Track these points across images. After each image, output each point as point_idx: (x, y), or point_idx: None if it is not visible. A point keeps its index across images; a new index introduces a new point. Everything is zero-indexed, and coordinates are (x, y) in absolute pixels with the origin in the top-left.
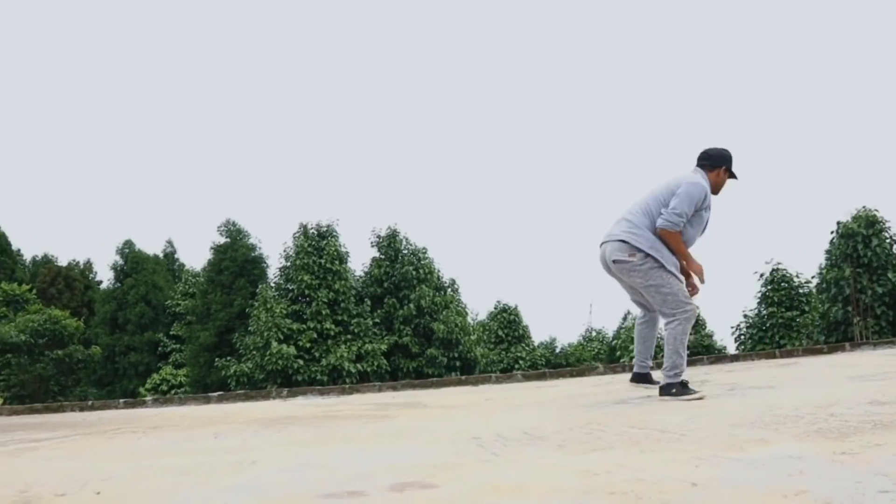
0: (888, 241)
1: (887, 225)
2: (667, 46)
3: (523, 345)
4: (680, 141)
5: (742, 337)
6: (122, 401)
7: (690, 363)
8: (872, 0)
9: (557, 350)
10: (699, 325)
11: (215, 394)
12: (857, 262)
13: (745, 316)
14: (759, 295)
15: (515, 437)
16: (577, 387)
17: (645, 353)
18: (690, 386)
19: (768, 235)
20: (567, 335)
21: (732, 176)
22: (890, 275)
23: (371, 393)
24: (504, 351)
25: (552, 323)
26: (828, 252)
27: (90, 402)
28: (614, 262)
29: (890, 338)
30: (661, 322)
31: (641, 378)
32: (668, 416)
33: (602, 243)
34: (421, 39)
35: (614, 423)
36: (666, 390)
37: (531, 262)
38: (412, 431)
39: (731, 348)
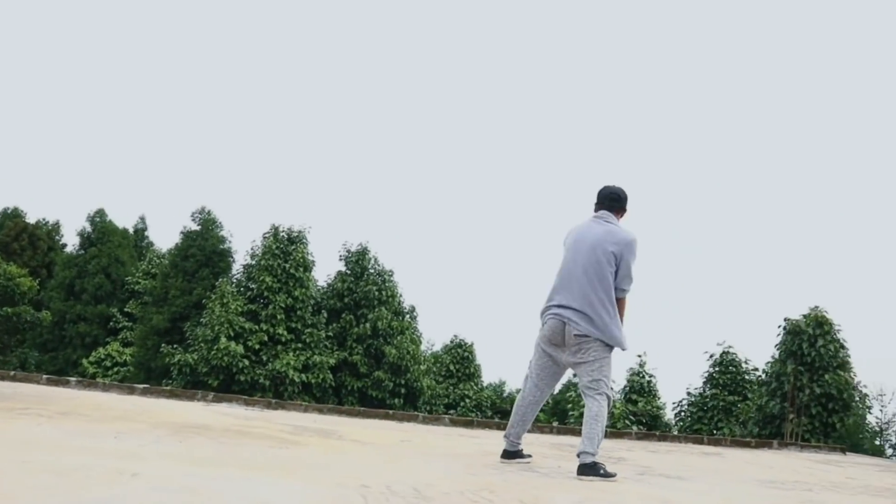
0: (834, 343)
1: (836, 327)
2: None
3: (472, 383)
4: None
5: (682, 414)
6: (45, 377)
7: (616, 436)
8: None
9: (506, 393)
10: (653, 393)
11: (140, 385)
12: (801, 360)
13: (689, 394)
14: (706, 375)
15: (402, 493)
16: (497, 443)
17: (522, 432)
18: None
19: (727, 319)
20: (518, 380)
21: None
22: (828, 377)
23: (295, 412)
24: (452, 386)
25: (505, 365)
26: (776, 346)
27: (13, 374)
28: (577, 335)
29: (818, 440)
30: (589, 399)
31: (514, 455)
32: (563, 494)
33: (559, 314)
34: (408, 61)
35: (507, 493)
36: (592, 470)
37: (496, 301)
38: (307, 467)
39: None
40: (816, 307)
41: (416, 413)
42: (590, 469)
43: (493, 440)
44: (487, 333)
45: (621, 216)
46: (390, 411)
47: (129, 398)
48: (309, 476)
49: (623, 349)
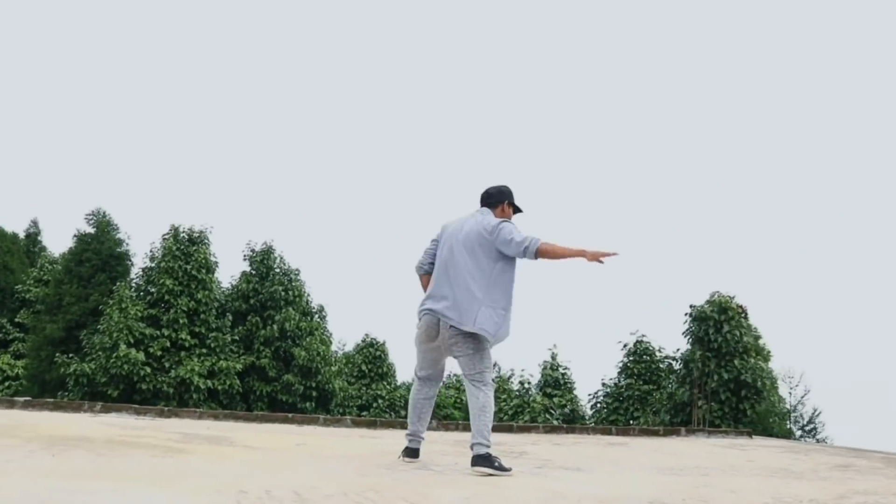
0: (740, 328)
1: (741, 313)
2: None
3: (385, 383)
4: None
5: (598, 405)
6: None
7: (523, 430)
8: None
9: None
10: (570, 385)
11: (21, 399)
12: (708, 346)
13: (604, 384)
14: (621, 365)
15: (280, 498)
16: (399, 442)
17: (421, 429)
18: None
19: (640, 308)
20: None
21: (517, 210)
22: (737, 362)
23: (190, 419)
24: (365, 387)
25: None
26: (684, 333)
27: None
28: (451, 327)
29: (728, 425)
30: (472, 390)
31: (417, 453)
32: (452, 491)
33: (432, 309)
34: (329, 58)
35: (392, 492)
36: (486, 461)
37: (407, 298)
38: (187, 475)
39: (588, 415)
40: (717, 293)
41: (316, 416)
42: (484, 460)
43: (394, 440)
44: (400, 331)
45: (500, 211)
46: (290, 415)
47: (8, 412)
48: (186, 485)
49: (491, 339)
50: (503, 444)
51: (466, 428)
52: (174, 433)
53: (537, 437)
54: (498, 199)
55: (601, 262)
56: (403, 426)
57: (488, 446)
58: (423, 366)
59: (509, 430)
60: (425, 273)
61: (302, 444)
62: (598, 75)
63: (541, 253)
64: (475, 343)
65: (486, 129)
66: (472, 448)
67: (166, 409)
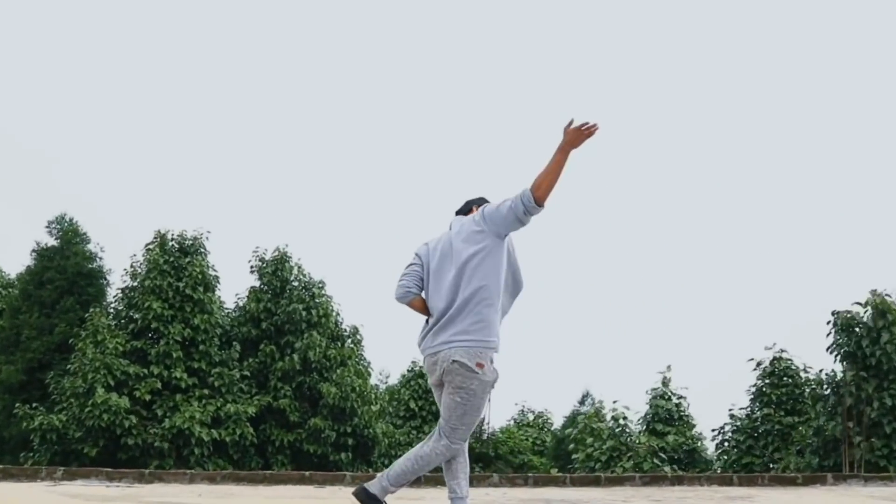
0: None
1: None
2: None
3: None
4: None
5: (726, 444)
6: None
7: (616, 482)
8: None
9: (485, 435)
10: (687, 420)
11: None
12: (863, 363)
13: (732, 416)
14: (754, 390)
15: None
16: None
17: (457, 486)
18: None
19: (774, 316)
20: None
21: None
22: None
23: (178, 484)
24: (415, 430)
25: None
26: (828, 349)
27: None
28: (454, 361)
29: (889, 471)
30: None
31: None
32: None
33: (428, 347)
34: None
35: None
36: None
37: None
38: None
39: (714, 458)
40: (876, 291)
41: (342, 473)
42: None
43: (443, 502)
44: None
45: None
46: (307, 473)
47: None
48: None
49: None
50: (567, 500)
51: (538, 482)
52: None
53: (632, 492)
54: (470, 205)
55: (589, 134)
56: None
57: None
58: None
59: (596, 482)
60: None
61: None
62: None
63: (536, 188)
64: (462, 377)
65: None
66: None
67: (147, 472)
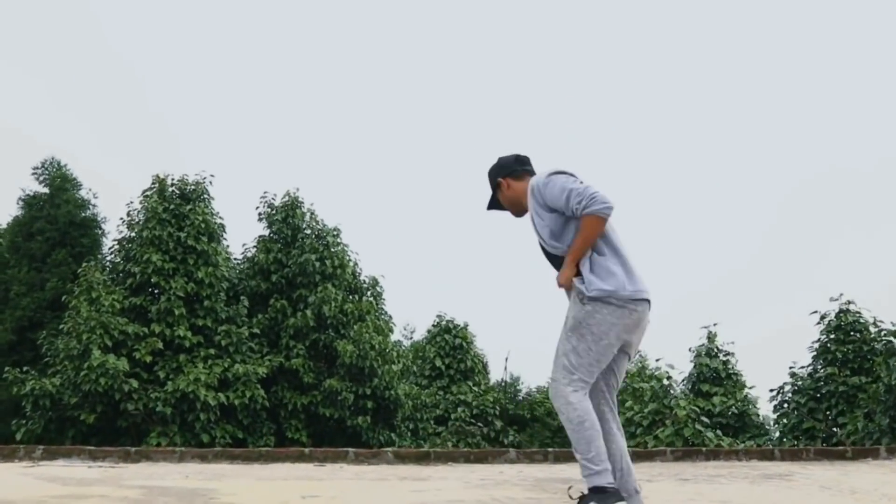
0: None
1: None
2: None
3: (471, 383)
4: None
5: (786, 405)
6: None
7: (646, 457)
8: None
9: (521, 395)
10: (737, 379)
11: None
12: None
13: (793, 375)
14: (818, 346)
15: None
16: (455, 486)
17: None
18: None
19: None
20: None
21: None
22: None
23: (166, 463)
24: (443, 390)
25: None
26: None
27: None
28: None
29: None
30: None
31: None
32: None
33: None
34: None
35: None
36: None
37: (497, 263)
38: None
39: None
40: None
41: (345, 450)
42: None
43: (450, 482)
44: (488, 310)
45: (516, 180)
46: (307, 450)
47: None
48: None
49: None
50: (573, 479)
51: (558, 459)
52: (136, 487)
53: (661, 469)
54: (505, 173)
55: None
56: (467, 459)
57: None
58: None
59: None
60: None
61: (312, 496)
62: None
63: (597, 224)
64: None
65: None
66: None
67: (133, 450)
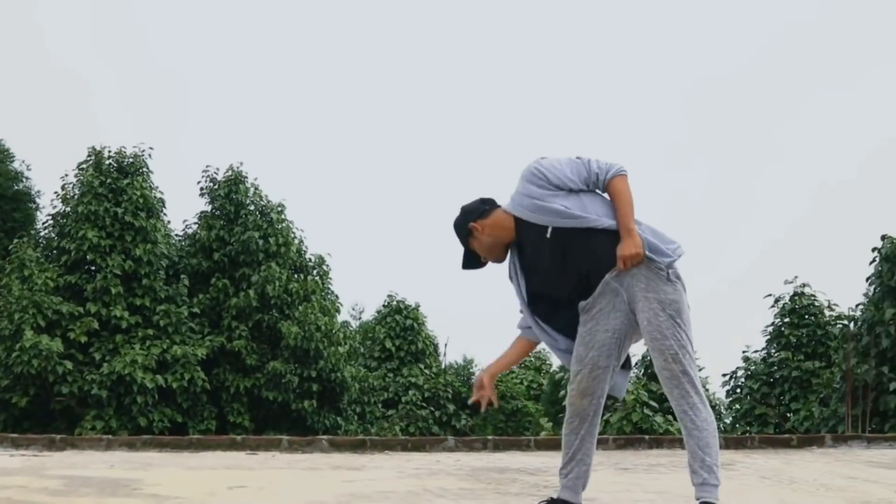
0: None
1: None
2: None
3: (422, 365)
4: None
5: (739, 391)
6: None
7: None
8: None
9: (475, 378)
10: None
11: None
12: None
13: (746, 359)
14: (771, 330)
15: None
16: (388, 476)
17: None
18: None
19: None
20: (489, 354)
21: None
22: None
23: (92, 451)
24: (393, 372)
25: (470, 334)
26: (868, 280)
27: None
28: None
29: None
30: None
31: None
32: None
33: None
34: None
35: None
36: None
37: (445, 242)
38: None
39: (724, 406)
40: None
41: (278, 437)
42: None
43: (384, 472)
44: (439, 290)
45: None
46: (239, 437)
47: None
48: None
49: None
50: (525, 469)
51: (497, 447)
52: (57, 477)
53: (602, 458)
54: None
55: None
56: (403, 447)
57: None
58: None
59: (556, 446)
60: None
61: (237, 486)
62: None
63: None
64: None
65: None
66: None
67: (58, 438)
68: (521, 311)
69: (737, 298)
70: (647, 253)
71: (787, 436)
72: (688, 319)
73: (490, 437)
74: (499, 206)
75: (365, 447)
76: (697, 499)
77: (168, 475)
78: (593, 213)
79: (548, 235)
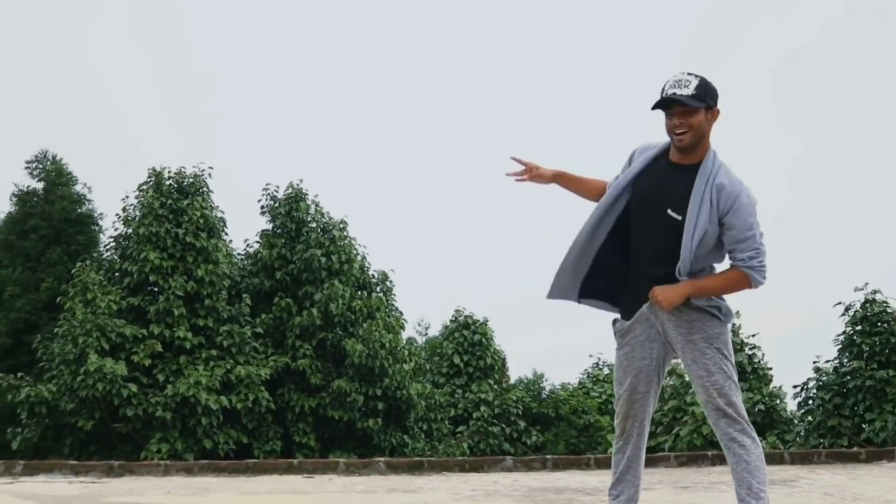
0: None
1: None
2: None
3: (491, 381)
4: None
5: (810, 402)
6: None
7: (647, 462)
8: None
9: (545, 393)
10: (763, 373)
11: None
12: None
13: (818, 370)
14: (843, 339)
15: None
16: (443, 498)
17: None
18: None
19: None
20: (563, 371)
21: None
22: None
23: (150, 477)
24: (461, 388)
25: (539, 350)
26: None
27: None
28: None
29: None
30: None
31: None
32: None
33: None
34: None
35: None
36: None
37: (518, 254)
38: None
39: (796, 419)
40: None
41: (335, 461)
42: None
43: (440, 494)
44: (511, 304)
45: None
46: (295, 461)
47: None
48: None
49: None
50: (582, 489)
51: (556, 466)
52: None
53: (663, 475)
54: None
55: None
56: (461, 468)
57: None
58: None
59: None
60: None
61: None
62: None
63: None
64: None
65: None
66: None
67: (116, 464)
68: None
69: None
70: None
71: (855, 450)
72: (731, 350)
73: (549, 457)
74: None
75: (422, 469)
76: None
77: (224, 501)
78: (700, 264)
79: (667, 211)
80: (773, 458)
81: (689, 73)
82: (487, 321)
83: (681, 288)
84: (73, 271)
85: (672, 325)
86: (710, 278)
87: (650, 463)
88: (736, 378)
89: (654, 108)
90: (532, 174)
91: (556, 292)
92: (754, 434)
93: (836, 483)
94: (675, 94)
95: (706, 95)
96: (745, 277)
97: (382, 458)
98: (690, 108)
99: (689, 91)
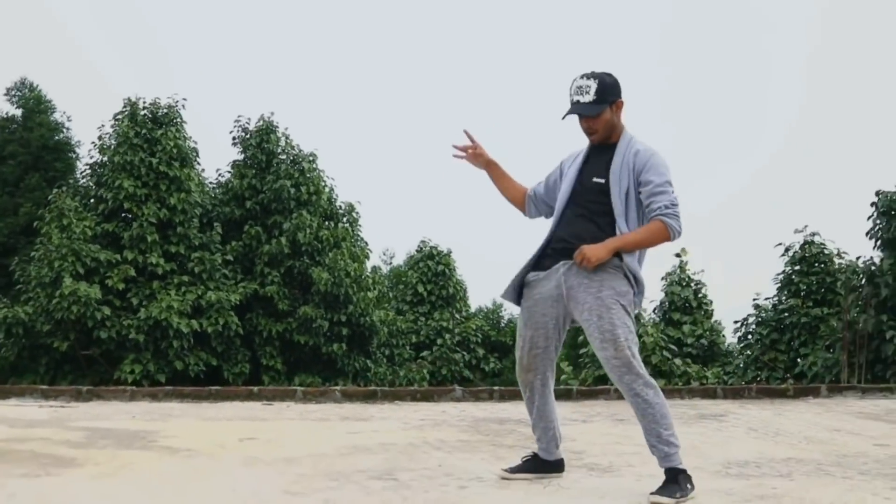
0: None
1: None
2: None
3: (452, 310)
4: None
5: (749, 337)
6: None
7: (589, 395)
8: None
9: (504, 322)
10: (706, 309)
11: None
12: None
13: (757, 307)
14: (781, 278)
15: None
16: (393, 427)
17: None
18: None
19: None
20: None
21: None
22: None
23: (117, 402)
24: (424, 316)
25: (499, 279)
26: (868, 234)
27: None
28: None
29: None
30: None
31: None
32: None
33: None
34: None
35: None
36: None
37: (480, 188)
38: None
39: (736, 352)
40: None
41: (293, 388)
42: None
43: (390, 423)
44: (471, 235)
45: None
46: (256, 388)
47: None
48: None
49: None
50: (525, 420)
51: (503, 397)
52: (80, 429)
53: (601, 408)
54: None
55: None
56: (413, 397)
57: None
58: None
59: (568, 396)
60: None
61: (248, 438)
62: None
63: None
64: None
65: None
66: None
67: (84, 389)
68: (537, 190)
69: None
70: (616, 259)
71: (783, 386)
72: (633, 317)
73: (496, 388)
74: None
75: (376, 398)
76: (662, 467)
77: (185, 426)
78: (626, 224)
79: (598, 179)
80: (706, 393)
81: (588, 77)
82: (451, 252)
83: (609, 243)
84: (49, 197)
85: (584, 286)
86: (633, 232)
87: (590, 396)
88: (636, 337)
89: (563, 118)
90: (472, 153)
91: (507, 294)
92: (655, 384)
93: (763, 418)
94: (577, 102)
95: (606, 95)
96: (664, 228)
97: (338, 387)
98: (593, 114)
99: (590, 97)
